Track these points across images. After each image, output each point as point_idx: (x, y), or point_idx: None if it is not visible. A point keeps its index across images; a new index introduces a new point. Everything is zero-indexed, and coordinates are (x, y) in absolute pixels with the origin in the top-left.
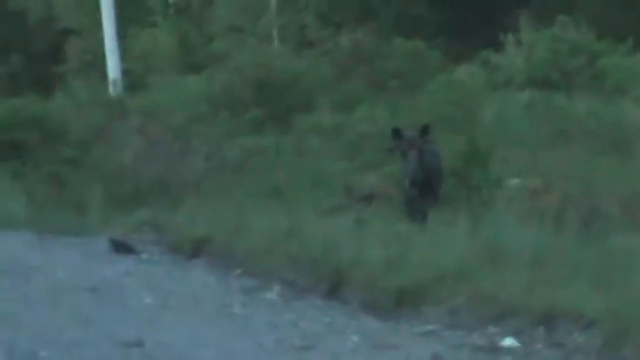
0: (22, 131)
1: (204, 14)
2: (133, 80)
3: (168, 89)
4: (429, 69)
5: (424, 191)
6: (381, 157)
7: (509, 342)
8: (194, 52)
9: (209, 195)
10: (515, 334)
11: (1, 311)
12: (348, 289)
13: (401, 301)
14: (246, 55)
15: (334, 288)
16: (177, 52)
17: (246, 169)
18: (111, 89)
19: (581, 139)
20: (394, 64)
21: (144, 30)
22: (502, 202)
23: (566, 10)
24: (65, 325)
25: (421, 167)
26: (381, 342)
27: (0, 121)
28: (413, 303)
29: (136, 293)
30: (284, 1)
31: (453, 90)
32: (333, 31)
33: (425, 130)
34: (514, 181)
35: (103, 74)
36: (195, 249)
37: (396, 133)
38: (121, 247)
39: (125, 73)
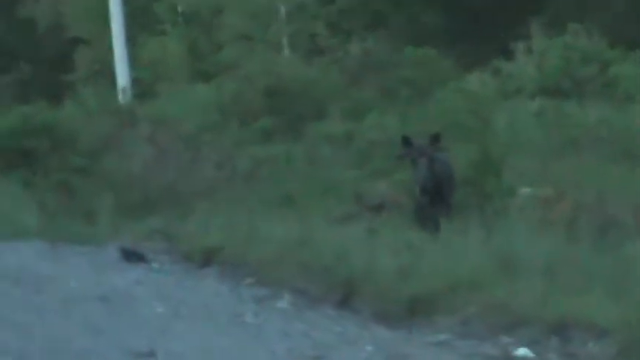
0: (31, 139)
1: (214, 22)
2: (142, 88)
3: (177, 97)
4: (440, 77)
5: (435, 199)
6: (392, 165)
7: (522, 352)
8: (203, 60)
9: (220, 204)
10: (529, 344)
11: (13, 320)
12: (360, 299)
13: (413, 311)
14: (255, 63)
15: (346, 297)
16: (187, 60)
17: (256, 178)
18: (120, 97)
19: (592, 147)
20: (405, 72)
21: (153, 38)
22: (515, 211)
23: (578, 18)
24: (76, 334)
25: (432, 175)
26: (395, 352)
27: (10, 129)
28: (425, 312)
29: (147, 302)
30: (294, 8)
31: (464, 98)
32: (344, 38)
33: (436, 139)
34: (526, 190)
35: (113, 82)
36: (207, 258)
37: (406, 141)
38: (131, 256)
39: (134, 81)
